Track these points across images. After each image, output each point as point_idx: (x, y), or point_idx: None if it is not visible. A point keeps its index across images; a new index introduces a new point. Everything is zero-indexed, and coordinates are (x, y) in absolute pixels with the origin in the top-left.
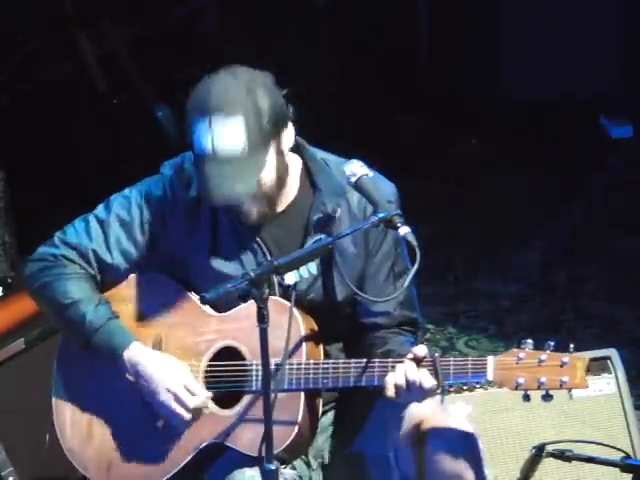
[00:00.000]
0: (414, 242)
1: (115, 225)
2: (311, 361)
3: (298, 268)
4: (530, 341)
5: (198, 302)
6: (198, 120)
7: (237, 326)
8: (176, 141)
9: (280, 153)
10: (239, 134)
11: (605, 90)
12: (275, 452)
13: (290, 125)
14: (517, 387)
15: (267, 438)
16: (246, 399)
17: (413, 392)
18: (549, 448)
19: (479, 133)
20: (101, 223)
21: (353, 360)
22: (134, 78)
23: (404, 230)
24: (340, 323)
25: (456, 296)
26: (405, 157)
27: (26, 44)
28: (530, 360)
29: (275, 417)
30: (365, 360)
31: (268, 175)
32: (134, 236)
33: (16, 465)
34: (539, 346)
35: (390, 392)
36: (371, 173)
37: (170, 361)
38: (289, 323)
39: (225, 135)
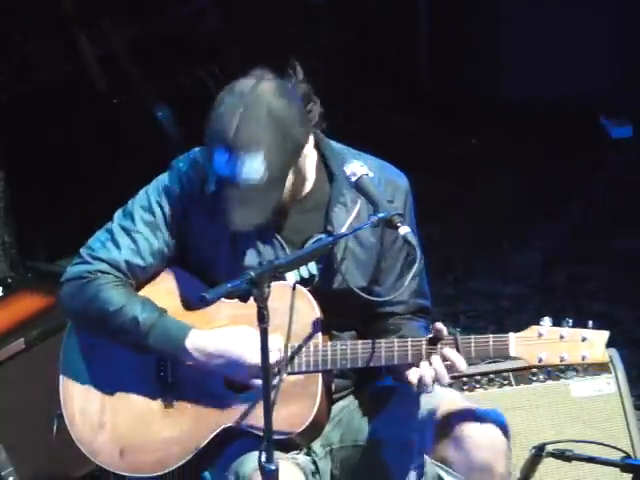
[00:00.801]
0: (414, 242)
1: (141, 228)
2: (329, 343)
3: (298, 268)
4: (547, 318)
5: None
6: (218, 150)
7: (249, 312)
8: (176, 141)
9: (298, 170)
10: (259, 169)
11: (605, 90)
12: (293, 436)
13: (311, 137)
14: (539, 362)
15: (267, 438)
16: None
17: (440, 376)
18: (549, 448)
19: (479, 133)
20: (126, 230)
21: (371, 340)
22: (134, 78)
23: (404, 230)
24: (355, 312)
25: (456, 296)
26: (405, 157)
27: (26, 44)
28: (552, 336)
29: (294, 399)
30: (383, 340)
31: (284, 190)
32: (162, 234)
33: (16, 465)
34: (557, 323)
35: (414, 381)
36: (372, 173)
37: (233, 330)
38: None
39: (245, 169)
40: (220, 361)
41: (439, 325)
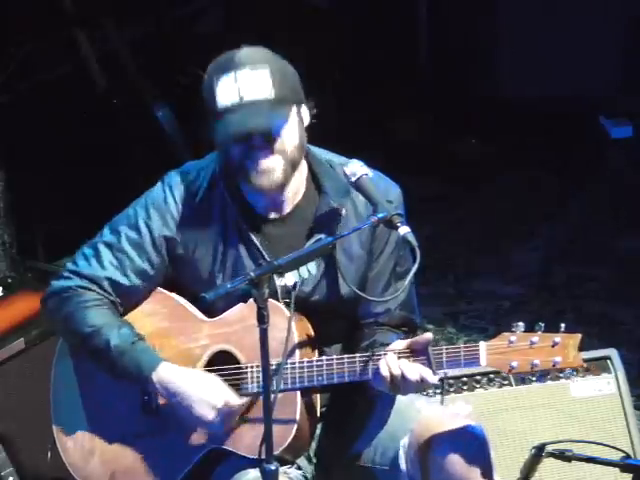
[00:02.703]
0: (414, 242)
1: (126, 247)
2: (305, 359)
3: (298, 268)
4: (521, 324)
5: (189, 308)
6: (221, 77)
7: (229, 330)
8: (176, 141)
9: (301, 122)
10: (265, 82)
11: (605, 90)
12: (276, 452)
13: (304, 107)
14: (511, 370)
15: (267, 438)
16: (246, 400)
17: (409, 383)
18: (549, 448)
19: (479, 133)
20: (111, 248)
21: (346, 356)
22: (134, 78)
23: (404, 230)
24: (340, 323)
25: (456, 296)
26: (405, 157)
27: (26, 44)
28: (522, 343)
29: (274, 417)
30: (358, 355)
31: (292, 136)
32: (148, 254)
33: (16, 465)
34: (529, 328)
35: (386, 384)
36: (371, 173)
37: (201, 376)
38: (289, 323)
39: (251, 84)
40: (177, 400)
41: (428, 335)
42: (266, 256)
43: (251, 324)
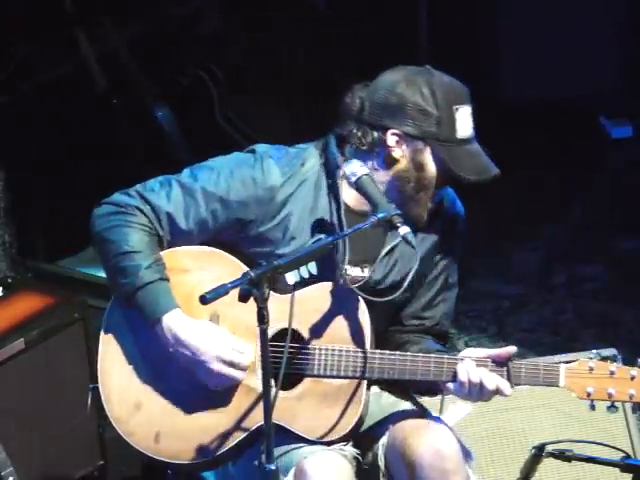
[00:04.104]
0: (414, 242)
1: (198, 194)
2: (377, 351)
3: (298, 268)
4: (595, 351)
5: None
6: (458, 109)
7: (299, 309)
8: (176, 141)
9: None
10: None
11: (605, 90)
12: (341, 435)
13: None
14: (588, 396)
15: (267, 438)
16: (307, 382)
17: (485, 392)
18: (549, 448)
19: (479, 133)
20: (184, 189)
21: (420, 354)
22: (134, 78)
23: (404, 230)
24: (385, 319)
25: (456, 296)
26: None
27: (25, 44)
28: (601, 371)
29: (341, 401)
30: (433, 355)
31: None
32: (215, 209)
33: (16, 465)
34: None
35: (463, 389)
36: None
37: (209, 326)
38: (289, 324)
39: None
40: (182, 351)
41: (512, 349)
42: (347, 253)
43: (322, 307)
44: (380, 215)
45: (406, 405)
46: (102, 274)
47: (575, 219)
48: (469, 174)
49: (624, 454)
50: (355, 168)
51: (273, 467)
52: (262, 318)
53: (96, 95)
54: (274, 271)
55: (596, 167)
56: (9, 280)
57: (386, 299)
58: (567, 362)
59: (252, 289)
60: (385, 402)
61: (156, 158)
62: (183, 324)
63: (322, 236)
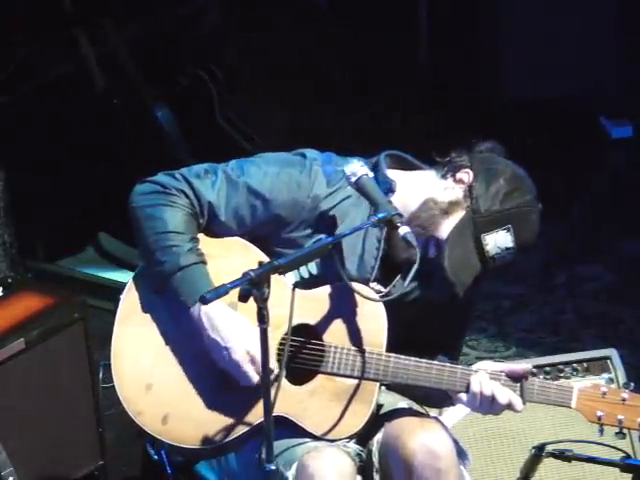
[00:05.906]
0: (414, 242)
1: (242, 190)
2: (392, 355)
3: (298, 268)
4: (606, 375)
5: (280, 275)
6: (510, 229)
7: (317, 306)
8: (176, 141)
9: None
10: None
11: (605, 90)
12: (348, 434)
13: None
14: (598, 420)
15: (267, 438)
16: (320, 378)
17: (496, 406)
18: (549, 448)
19: (479, 133)
20: (229, 181)
21: (435, 362)
22: (134, 78)
23: (404, 230)
24: (405, 330)
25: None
26: None
27: (25, 44)
28: (613, 396)
29: (352, 401)
30: (448, 364)
31: None
32: (255, 206)
33: (16, 465)
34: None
35: (475, 401)
36: (371, 173)
37: (247, 323)
38: (289, 324)
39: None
40: (213, 336)
41: (529, 367)
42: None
43: (342, 306)
44: (380, 215)
45: (403, 404)
46: (102, 274)
47: (575, 219)
48: (452, 262)
49: (624, 454)
50: (355, 168)
51: (273, 467)
52: (262, 318)
53: (96, 95)
54: (274, 271)
55: (596, 167)
56: (9, 280)
57: (390, 298)
58: (574, 370)
59: (252, 289)
60: (382, 400)
61: (156, 158)
62: (221, 310)
63: (322, 236)
